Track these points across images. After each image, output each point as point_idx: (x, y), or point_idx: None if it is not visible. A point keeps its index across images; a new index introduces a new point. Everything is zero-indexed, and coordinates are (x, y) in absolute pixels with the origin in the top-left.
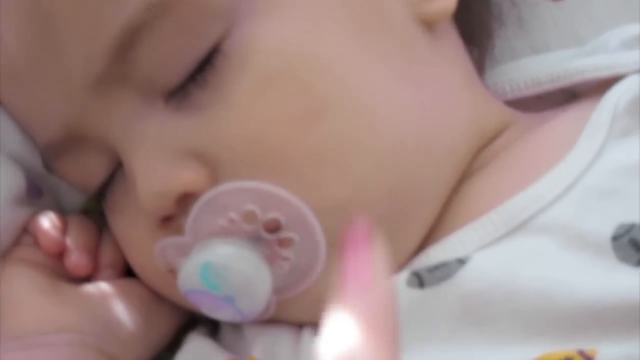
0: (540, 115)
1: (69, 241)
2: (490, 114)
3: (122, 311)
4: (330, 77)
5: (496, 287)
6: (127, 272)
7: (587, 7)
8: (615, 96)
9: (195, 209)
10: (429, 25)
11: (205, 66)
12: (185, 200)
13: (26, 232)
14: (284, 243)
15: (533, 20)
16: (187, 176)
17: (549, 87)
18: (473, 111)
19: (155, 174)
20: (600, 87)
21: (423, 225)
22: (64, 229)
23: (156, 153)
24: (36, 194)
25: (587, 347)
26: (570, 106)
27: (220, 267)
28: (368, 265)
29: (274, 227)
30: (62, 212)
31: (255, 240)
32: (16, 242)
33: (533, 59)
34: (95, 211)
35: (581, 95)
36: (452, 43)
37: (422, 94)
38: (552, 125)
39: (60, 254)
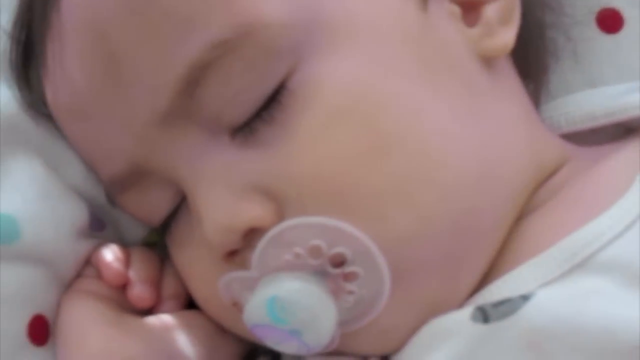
0: (597, 149)
1: (132, 273)
2: (548, 148)
3: (185, 343)
4: (394, 114)
5: (560, 322)
6: (189, 304)
7: None
8: None
9: (262, 243)
10: (488, 61)
11: (271, 103)
12: (251, 235)
13: (89, 264)
14: (349, 277)
15: (588, 54)
16: (254, 211)
17: (604, 122)
18: (531, 146)
19: (222, 208)
20: None
21: (484, 260)
22: (127, 261)
23: (223, 188)
24: (99, 227)
25: None
26: (628, 141)
27: (287, 301)
28: None
29: (339, 262)
30: (125, 245)
31: (320, 274)
32: (79, 274)
33: (588, 93)
34: (156, 243)
35: (636, 129)
36: (510, 78)
37: (483, 129)
38: (611, 161)
39: (123, 286)
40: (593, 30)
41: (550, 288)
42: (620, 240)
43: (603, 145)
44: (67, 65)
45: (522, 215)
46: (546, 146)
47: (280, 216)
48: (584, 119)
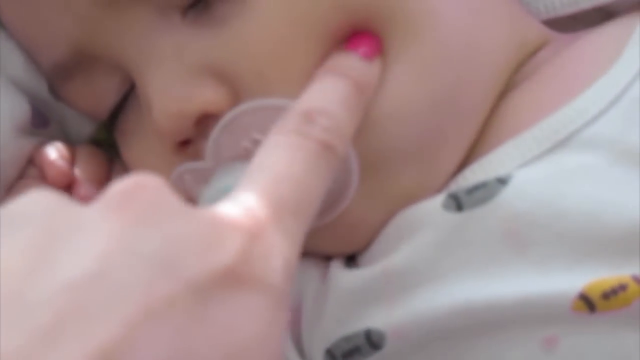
0: (578, 34)
1: (78, 172)
2: (529, 29)
3: None
4: None
5: (540, 207)
6: None
7: None
8: None
9: (216, 130)
10: None
11: None
12: (204, 122)
13: (32, 163)
14: None
15: None
16: (207, 95)
17: (586, 5)
18: (511, 25)
19: (172, 93)
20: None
21: (463, 143)
22: (72, 160)
23: (173, 71)
24: (42, 123)
25: None
26: (609, 23)
27: None
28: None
29: None
30: (71, 143)
31: None
32: (21, 174)
33: None
34: (105, 142)
35: (617, 14)
36: None
37: (464, 5)
38: (593, 38)
39: (68, 186)
40: None
41: (530, 168)
42: (606, 116)
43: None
44: None
45: (503, 93)
46: (527, 27)
47: (236, 100)
48: (564, 3)
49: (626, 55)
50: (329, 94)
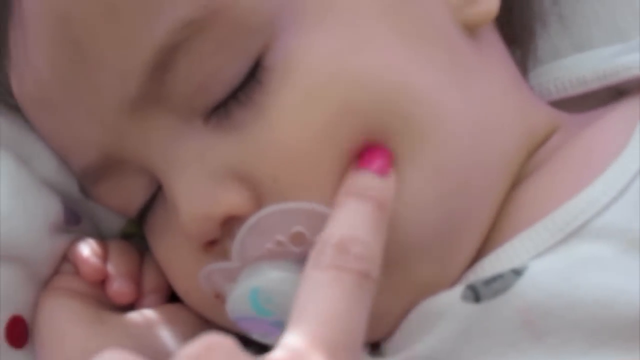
0: (588, 115)
1: (111, 268)
2: (538, 117)
3: (168, 338)
4: (373, 89)
5: (555, 298)
6: (172, 296)
7: (630, 0)
8: None
9: (241, 232)
10: (472, 29)
11: (247, 83)
12: (230, 223)
13: (66, 260)
14: None
15: (575, 17)
16: (232, 198)
17: (595, 86)
18: (521, 115)
19: (197, 197)
20: None
21: (477, 235)
22: (105, 255)
23: (197, 175)
24: (74, 221)
25: None
26: (619, 105)
27: (270, 292)
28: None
29: None
30: (102, 238)
31: (304, 262)
32: (56, 271)
33: (577, 57)
34: (135, 235)
35: (628, 92)
36: (495, 46)
37: (470, 99)
38: (602, 125)
39: (102, 282)
40: None
41: (544, 259)
42: (616, 205)
43: (595, 110)
44: (30, 54)
45: (514, 185)
46: (536, 114)
47: (260, 202)
48: (574, 84)
49: (633, 142)
50: (354, 219)
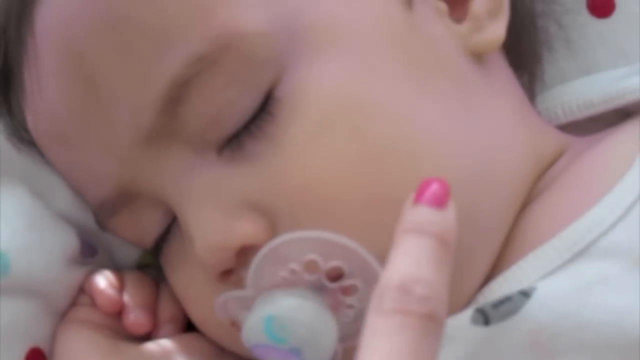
0: (594, 137)
1: (127, 299)
2: (546, 140)
3: None
4: (383, 120)
5: (563, 319)
6: (188, 325)
7: (634, 24)
8: None
9: (256, 261)
10: (479, 56)
11: (259, 115)
12: (245, 252)
13: (83, 292)
14: (347, 291)
15: (581, 41)
16: (246, 229)
17: (602, 109)
18: (528, 139)
19: (212, 227)
20: None
21: (487, 258)
22: (121, 287)
23: (212, 206)
24: (90, 253)
25: None
26: (624, 126)
27: (284, 319)
28: (445, 191)
29: (336, 275)
30: (118, 269)
31: (318, 289)
32: (73, 302)
33: (584, 80)
34: (150, 265)
35: (634, 113)
36: (502, 72)
37: (478, 126)
38: (608, 145)
39: (118, 313)
40: (585, 16)
41: (552, 280)
42: (622, 224)
43: (602, 132)
44: (45, 90)
45: (523, 207)
46: (544, 138)
47: (273, 232)
48: (581, 107)
49: (638, 161)
50: (416, 258)
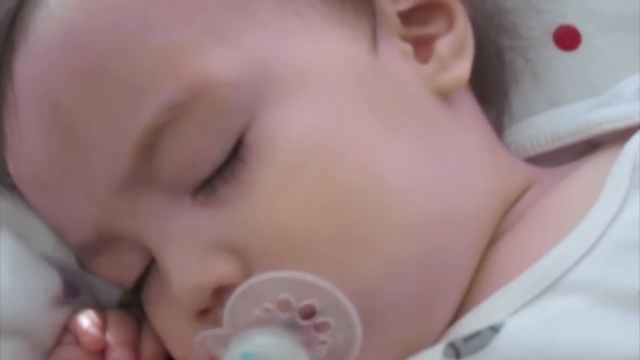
0: (562, 169)
1: (110, 337)
2: (513, 176)
3: None
4: (350, 162)
5: (532, 352)
6: None
7: (601, 56)
8: (634, 147)
9: (231, 301)
10: (445, 94)
11: (230, 161)
12: (220, 292)
13: (67, 331)
14: (320, 327)
15: (548, 74)
16: (221, 270)
17: (569, 141)
18: (496, 176)
19: (188, 269)
20: (620, 135)
21: (456, 295)
22: (104, 325)
23: (187, 249)
24: (73, 293)
25: None
26: (590, 158)
27: (259, 357)
28: None
29: (309, 313)
30: (101, 308)
31: (292, 327)
32: (58, 342)
33: (551, 113)
34: (132, 304)
35: (601, 144)
36: (469, 109)
37: (445, 165)
38: (573, 180)
39: (102, 351)
40: (551, 49)
41: (520, 315)
42: (587, 259)
43: (569, 163)
44: (24, 137)
45: (490, 243)
46: (511, 173)
47: (248, 272)
48: (549, 140)
49: (604, 196)
50: None
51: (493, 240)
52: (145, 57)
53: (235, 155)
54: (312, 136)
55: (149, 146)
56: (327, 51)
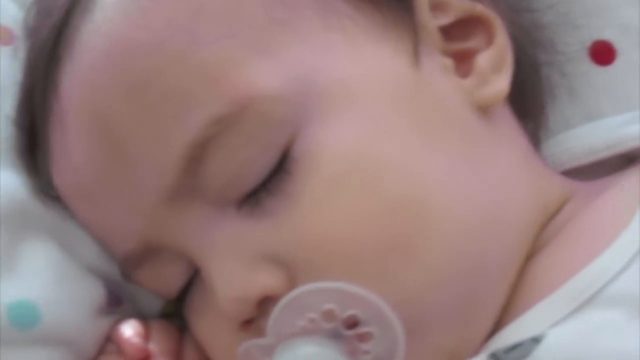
0: (599, 182)
1: (153, 347)
2: (551, 189)
3: None
4: (394, 175)
5: None
6: None
7: (635, 70)
8: None
9: (276, 311)
10: (484, 109)
11: (276, 173)
12: (265, 302)
13: (110, 340)
14: (363, 337)
15: (584, 88)
16: (266, 280)
17: (606, 155)
18: (534, 188)
19: (234, 280)
20: None
21: (496, 305)
22: (147, 335)
23: (233, 260)
24: (116, 303)
25: None
26: (627, 173)
27: None
28: None
29: (352, 323)
30: (143, 317)
31: (335, 337)
32: (101, 351)
33: (588, 126)
34: (175, 313)
35: (637, 157)
36: (507, 123)
37: (484, 177)
38: (612, 194)
39: None
40: (587, 64)
41: (560, 327)
42: (627, 273)
43: (606, 177)
44: (70, 150)
45: (529, 256)
46: (549, 186)
47: (292, 282)
48: (586, 153)
49: None
50: None
51: (532, 253)
52: (191, 71)
53: (280, 168)
54: (356, 149)
55: (195, 159)
56: (370, 66)
